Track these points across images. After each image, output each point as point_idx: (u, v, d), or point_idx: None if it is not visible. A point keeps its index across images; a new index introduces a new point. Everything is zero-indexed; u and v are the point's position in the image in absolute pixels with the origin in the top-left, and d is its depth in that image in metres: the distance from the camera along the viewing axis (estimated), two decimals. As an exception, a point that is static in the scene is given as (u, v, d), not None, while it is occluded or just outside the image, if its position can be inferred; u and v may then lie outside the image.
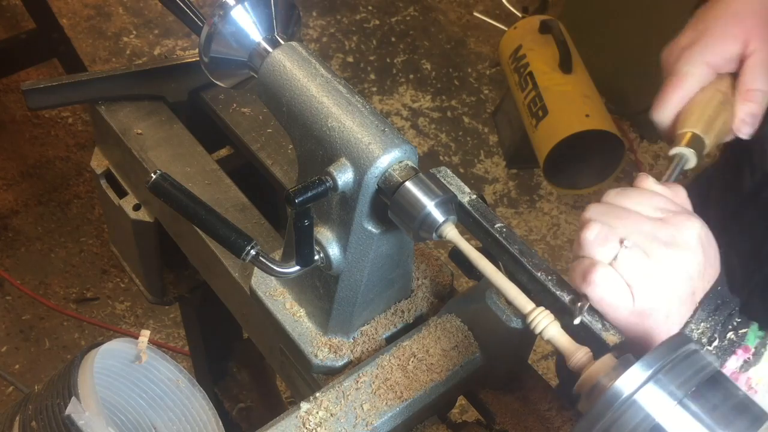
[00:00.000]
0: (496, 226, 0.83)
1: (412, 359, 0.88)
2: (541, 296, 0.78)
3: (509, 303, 0.77)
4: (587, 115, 2.59)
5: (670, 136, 0.97)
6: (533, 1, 3.08)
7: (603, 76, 2.88)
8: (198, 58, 0.87)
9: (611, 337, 0.73)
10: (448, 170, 0.89)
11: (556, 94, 2.67)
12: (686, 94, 0.96)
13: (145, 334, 0.89)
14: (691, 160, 0.93)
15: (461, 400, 0.98)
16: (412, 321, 0.96)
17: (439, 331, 0.91)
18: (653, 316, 0.73)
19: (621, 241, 0.72)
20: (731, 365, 0.75)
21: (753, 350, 0.75)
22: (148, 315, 2.57)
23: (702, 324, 0.74)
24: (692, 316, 0.74)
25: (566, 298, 0.76)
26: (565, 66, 2.69)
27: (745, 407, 0.61)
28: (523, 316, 0.74)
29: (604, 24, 3.08)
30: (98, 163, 1.29)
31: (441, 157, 3.10)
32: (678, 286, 0.73)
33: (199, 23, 0.91)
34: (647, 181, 0.79)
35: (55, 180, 2.85)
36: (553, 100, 2.65)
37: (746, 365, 0.74)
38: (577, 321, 0.75)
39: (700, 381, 0.61)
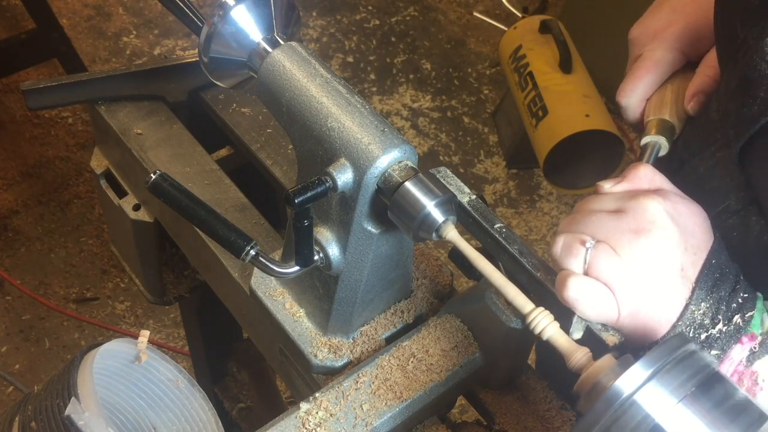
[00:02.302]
0: (496, 226, 0.83)
1: (411, 359, 0.88)
2: (540, 296, 0.78)
3: (509, 303, 0.77)
4: (587, 115, 2.59)
5: (635, 121, 0.95)
6: (533, 1, 3.08)
7: (603, 76, 2.88)
8: (198, 58, 0.87)
9: (611, 337, 0.73)
10: (448, 170, 0.89)
11: (556, 94, 2.66)
12: (657, 80, 0.93)
13: (145, 335, 0.89)
14: (664, 147, 0.92)
15: (461, 400, 0.98)
16: (411, 321, 0.96)
17: (438, 331, 0.91)
18: (644, 310, 0.71)
19: (582, 242, 0.70)
20: (736, 356, 0.72)
21: (759, 338, 0.71)
22: (148, 315, 2.57)
23: (702, 304, 0.71)
24: (690, 298, 0.71)
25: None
26: (565, 66, 2.69)
27: (745, 407, 0.61)
28: (523, 316, 0.74)
29: (604, 24, 3.08)
30: (98, 163, 1.29)
31: (441, 157, 3.10)
32: (658, 270, 0.70)
33: (199, 23, 0.91)
34: (604, 184, 0.77)
35: (55, 180, 2.85)
36: (553, 100, 2.65)
37: (752, 357, 0.71)
38: (576, 336, 0.74)
39: (700, 381, 0.61)
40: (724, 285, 0.72)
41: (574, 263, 0.71)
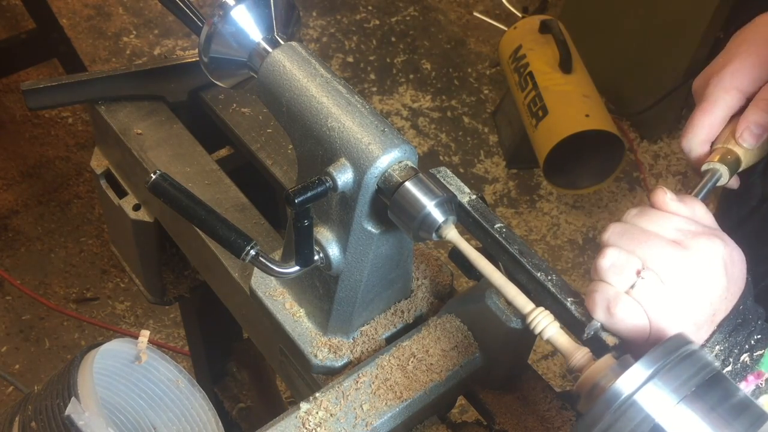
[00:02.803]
0: (496, 226, 0.83)
1: (411, 359, 0.88)
2: (540, 296, 0.78)
3: (509, 303, 0.77)
4: (587, 115, 2.59)
5: (698, 166, 0.92)
6: (533, 1, 3.08)
7: (603, 76, 2.88)
8: (198, 58, 0.87)
9: (611, 338, 0.73)
10: (448, 170, 0.89)
11: (556, 94, 2.67)
12: (716, 120, 0.91)
13: (145, 334, 0.89)
14: (724, 176, 0.88)
15: (461, 400, 0.98)
16: (411, 321, 0.96)
17: (438, 331, 0.91)
18: (665, 336, 0.70)
19: (638, 272, 0.70)
20: None
21: (766, 375, 0.72)
22: (148, 315, 2.57)
23: (717, 347, 0.72)
24: (708, 340, 0.72)
25: (566, 299, 0.76)
26: (565, 66, 2.70)
27: (745, 407, 0.61)
28: (523, 316, 0.74)
29: (604, 24, 3.08)
30: (98, 163, 1.29)
31: (441, 157, 3.10)
32: (696, 312, 0.71)
33: (199, 23, 0.91)
34: (665, 198, 0.76)
35: (55, 180, 2.85)
36: (553, 100, 2.66)
37: (757, 392, 0.72)
38: (588, 334, 0.74)
39: (700, 381, 0.61)
40: (743, 330, 0.73)
41: (621, 283, 0.71)
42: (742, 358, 0.72)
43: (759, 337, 0.73)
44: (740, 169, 0.90)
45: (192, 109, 1.28)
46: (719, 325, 0.72)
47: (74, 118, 3.04)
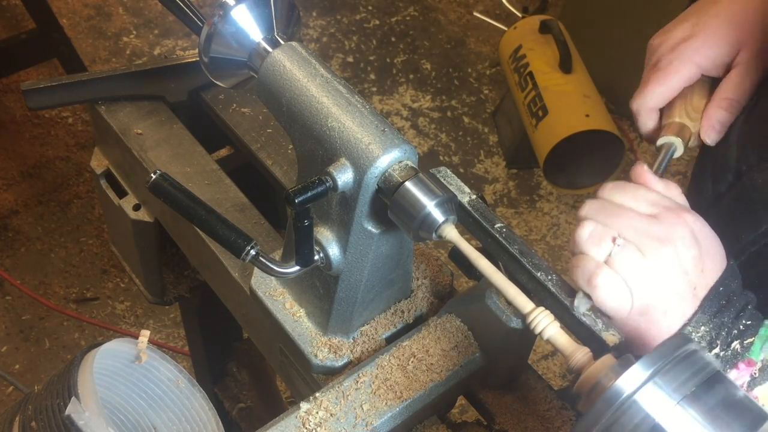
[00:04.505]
0: (496, 226, 0.83)
1: (411, 359, 0.88)
2: (540, 296, 0.78)
3: (509, 303, 0.77)
4: (587, 115, 2.59)
5: (645, 129, 0.98)
6: (533, 1, 3.08)
7: (603, 76, 2.88)
8: (198, 58, 0.87)
9: (611, 337, 0.73)
10: (448, 170, 0.89)
11: (556, 94, 2.67)
12: (669, 91, 0.96)
13: (145, 334, 0.89)
14: (679, 149, 0.93)
15: (461, 400, 0.98)
16: (412, 321, 0.96)
17: (438, 331, 0.91)
18: (651, 313, 0.73)
19: (614, 240, 0.73)
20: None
21: (759, 364, 0.73)
22: (148, 315, 2.57)
23: (702, 327, 0.73)
24: (691, 319, 0.73)
25: (566, 299, 0.76)
26: (565, 66, 2.69)
27: (745, 407, 0.61)
28: (523, 316, 0.74)
29: (604, 24, 3.08)
30: (98, 163, 1.29)
31: (441, 157, 3.10)
32: (674, 281, 0.73)
33: (199, 23, 0.91)
34: (644, 175, 0.79)
35: (55, 180, 2.85)
36: (553, 100, 2.65)
37: (753, 383, 0.73)
38: (577, 306, 0.76)
39: (700, 381, 0.61)
40: (728, 312, 0.74)
41: (599, 254, 0.73)
42: (732, 345, 0.73)
43: (749, 323, 0.74)
44: (691, 144, 0.95)
45: (192, 109, 1.27)
46: (702, 305, 0.74)
47: (74, 118, 3.04)
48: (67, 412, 0.77)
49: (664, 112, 0.97)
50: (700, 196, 1.01)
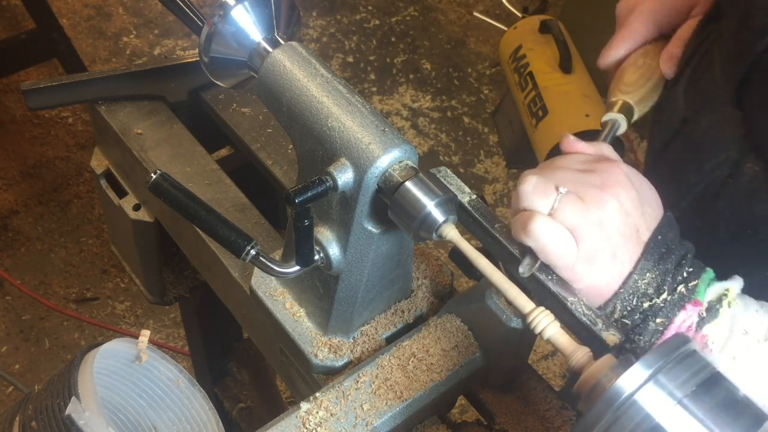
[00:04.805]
0: (496, 226, 0.83)
1: (412, 359, 0.88)
2: (540, 296, 0.78)
3: (509, 303, 0.77)
4: (587, 115, 2.59)
5: (608, 80, 1.06)
6: (533, 1, 3.08)
7: (603, 76, 2.88)
8: (198, 58, 0.87)
9: (611, 337, 0.73)
10: (448, 170, 0.89)
11: (556, 94, 2.66)
12: (630, 47, 1.03)
13: (145, 334, 0.89)
14: (623, 125, 0.98)
15: (461, 400, 0.98)
16: (412, 321, 0.96)
17: (439, 331, 0.91)
18: (599, 258, 0.74)
19: (557, 189, 0.75)
20: (679, 321, 0.75)
21: (705, 305, 0.75)
22: (148, 315, 2.57)
23: (647, 274, 0.75)
24: (635, 267, 0.75)
25: (566, 299, 0.76)
26: (565, 66, 2.69)
27: (745, 407, 0.61)
28: (523, 316, 0.74)
29: (604, 24, 3.08)
30: (98, 163, 1.29)
31: (441, 157, 3.10)
32: (617, 223, 0.74)
33: (199, 23, 0.91)
34: (573, 144, 0.83)
35: (55, 180, 2.85)
36: (553, 100, 2.65)
37: (701, 322, 0.75)
38: (523, 272, 0.77)
39: (700, 381, 0.61)
40: (669, 259, 0.76)
41: (543, 204, 0.75)
42: (678, 288, 0.75)
43: (691, 269, 0.76)
44: (635, 119, 1.01)
45: (192, 109, 1.27)
46: (644, 251, 0.76)
47: (74, 118, 3.04)
48: (67, 412, 0.77)
49: (615, 82, 1.04)
50: (651, 151, 1.07)
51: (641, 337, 0.75)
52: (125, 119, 1.21)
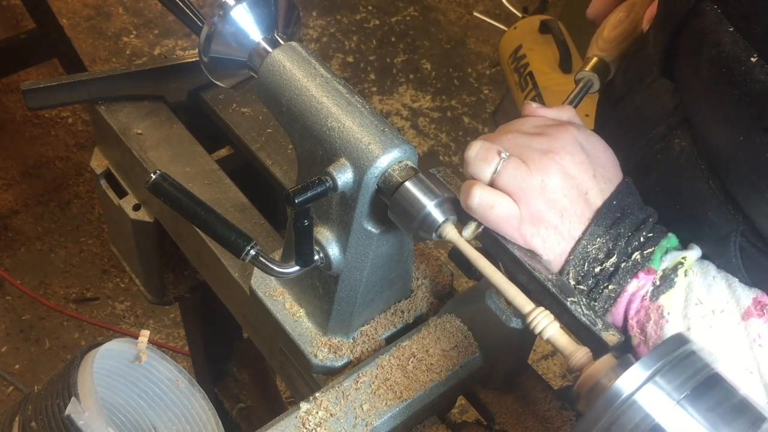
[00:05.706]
0: (496, 226, 0.82)
1: (411, 359, 0.88)
2: (540, 296, 0.78)
3: (509, 303, 0.77)
4: (587, 115, 2.59)
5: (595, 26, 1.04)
6: (533, 1, 3.08)
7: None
8: (198, 58, 0.87)
9: (611, 337, 0.73)
10: (448, 170, 0.89)
11: (556, 94, 2.66)
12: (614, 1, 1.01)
13: (145, 334, 0.89)
14: (596, 84, 0.96)
15: (461, 400, 0.98)
16: (411, 321, 0.96)
17: (438, 331, 0.91)
18: (545, 220, 0.75)
19: (499, 153, 0.75)
20: (631, 289, 0.75)
21: (660, 273, 0.75)
22: (148, 315, 2.57)
23: (598, 239, 0.75)
24: (584, 232, 0.75)
25: (566, 299, 0.76)
26: (565, 66, 2.69)
27: (745, 408, 0.61)
28: (523, 316, 0.74)
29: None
30: (98, 163, 1.29)
31: (441, 157, 3.10)
32: (561, 186, 0.74)
33: (199, 23, 0.91)
34: (535, 110, 0.83)
35: (55, 180, 2.85)
36: (553, 100, 2.65)
37: (656, 292, 0.74)
38: (466, 236, 0.77)
39: (700, 381, 0.61)
40: (623, 223, 0.76)
41: (487, 169, 0.75)
42: (633, 255, 0.75)
43: (650, 235, 0.76)
44: (609, 77, 0.99)
45: (192, 109, 1.27)
46: (595, 217, 0.75)
47: (74, 118, 3.04)
48: (67, 412, 0.77)
49: (594, 38, 1.01)
50: (602, 105, 1.05)
51: (596, 303, 0.76)
52: (125, 119, 1.21)
